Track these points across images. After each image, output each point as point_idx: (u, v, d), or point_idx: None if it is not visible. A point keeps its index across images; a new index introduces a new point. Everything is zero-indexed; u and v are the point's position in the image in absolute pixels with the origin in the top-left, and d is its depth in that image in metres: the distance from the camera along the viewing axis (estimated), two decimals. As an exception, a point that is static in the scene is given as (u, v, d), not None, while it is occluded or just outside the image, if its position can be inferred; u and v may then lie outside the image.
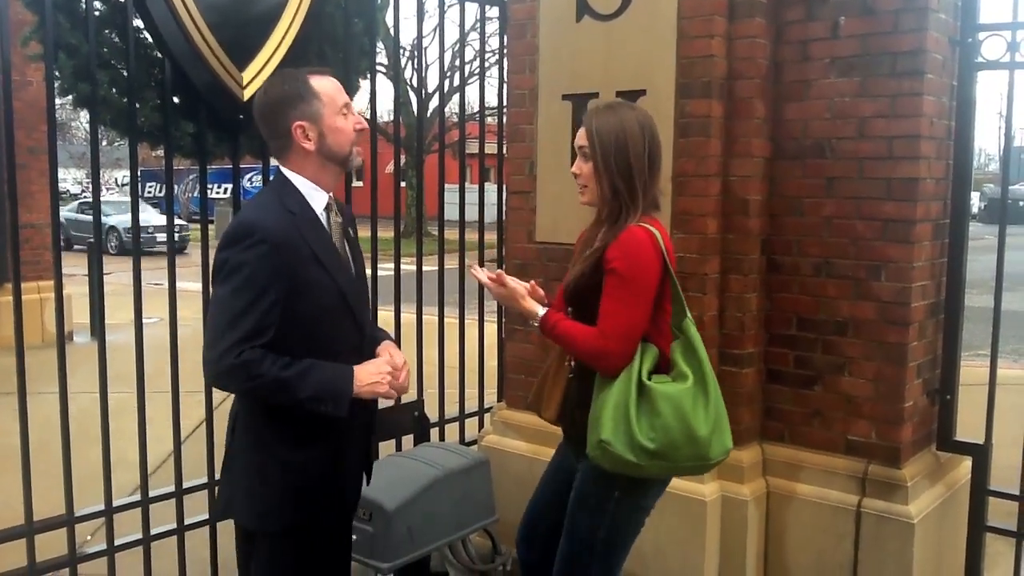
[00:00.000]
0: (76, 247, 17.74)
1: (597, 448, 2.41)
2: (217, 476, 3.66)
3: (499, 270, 2.68)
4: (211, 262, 3.47)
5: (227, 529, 3.76)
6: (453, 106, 17.48)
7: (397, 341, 4.00)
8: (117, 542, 3.47)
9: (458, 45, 8.49)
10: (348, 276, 2.41)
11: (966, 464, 3.73)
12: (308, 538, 2.40)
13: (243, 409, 2.40)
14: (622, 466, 2.41)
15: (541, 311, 2.56)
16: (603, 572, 2.59)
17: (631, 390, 2.40)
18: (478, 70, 4.83)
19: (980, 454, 3.59)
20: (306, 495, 2.35)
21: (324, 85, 2.34)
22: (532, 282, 2.66)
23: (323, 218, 2.38)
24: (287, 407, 2.27)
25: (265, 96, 2.36)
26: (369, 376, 2.34)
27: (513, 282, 2.60)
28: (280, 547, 2.40)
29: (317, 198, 2.37)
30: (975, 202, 28.90)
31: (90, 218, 13.46)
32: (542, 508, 2.81)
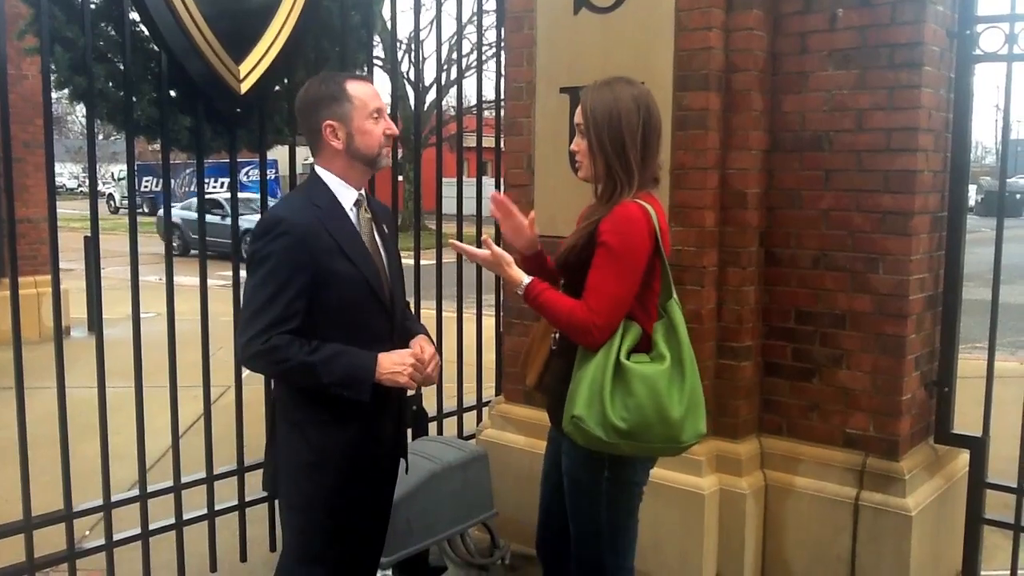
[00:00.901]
0: (193, 252, 16.13)
1: (570, 423, 2.41)
2: (215, 471, 3.70)
3: (486, 237, 2.68)
4: (206, 257, 3.49)
5: (226, 523, 3.78)
6: (451, 99, 17.44)
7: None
8: (116, 537, 3.48)
9: (455, 38, 8.46)
10: (375, 268, 2.50)
11: (964, 457, 3.74)
12: (334, 517, 2.51)
13: (280, 393, 2.56)
14: (594, 443, 2.41)
15: (526, 279, 2.52)
16: (616, 554, 2.61)
17: (608, 368, 2.40)
18: (475, 63, 4.81)
19: (978, 447, 3.60)
20: (331, 476, 2.47)
21: (358, 89, 2.46)
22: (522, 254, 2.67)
23: (352, 213, 2.49)
24: (315, 390, 2.40)
25: (304, 94, 2.49)
26: (392, 365, 2.43)
27: (499, 249, 2.57)
28: (308, 523, 2.51)
29: (346, 194, 2.50)
30: (972, 195, 28.92)
31: (218, 220, 12.83)
32: (548, 504, 2.81)
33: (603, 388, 2.38)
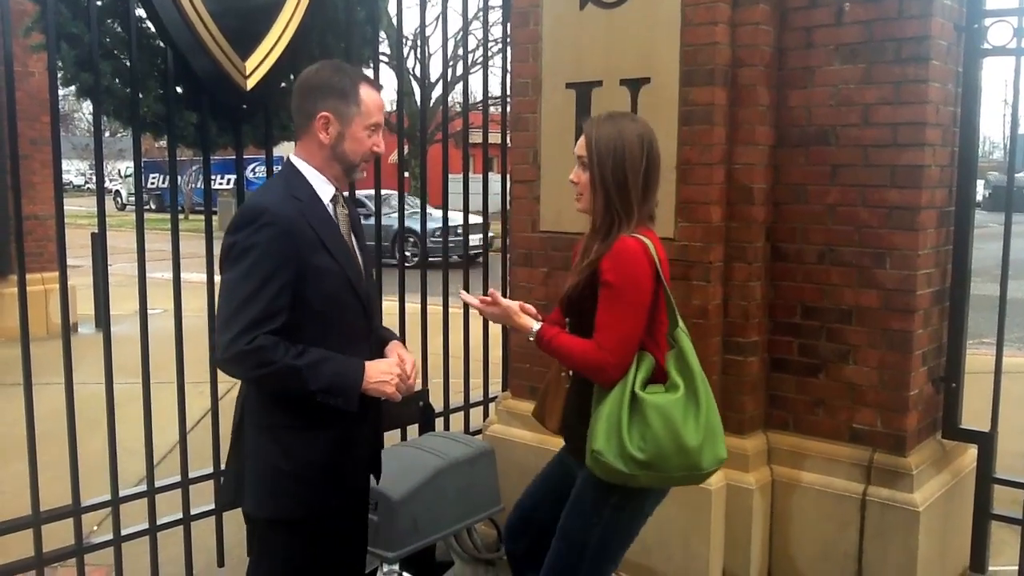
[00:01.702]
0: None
1: (591, 458, 2.42)
2: (224, 466, 3.69)
3: (492, 290, 2.67)
4: (212, 253, 3.48)
5: (233, 518, 3.77)
6: (456, 95, 17.43)
7: (401, 331, 4.03)
8: (124, 532, 3.49)
9: (461, 34, 8.47)
10: (355, 265, 2.42)
11: (971, 452, 3.73)
12: (312, 527, 2.40)
13: (251, 395, 2.40)
14: (614, 476, 2.42)
15: (536, 326, 2.56)
16: (592, 572, 2.58)
17: (624, 401, 2.41)
18: (481, 59, 4.81)
19: (985, 442, 3.59)
20: (310, 484, 2.35)
21: (369, 96, 2.37)
22: (521, 304, 2.67)
23: (330, 208, 2.39)
24: (294, 396, 2.27)
25: (314, 74, 2.38)
26: (379, 374, 2.35)
27: (505, 301, 2.61)
28: (284, 535, 2.40)
29: (324, 189, 2.39)
30: (979, 190, 28.79)
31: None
32: (539, 502, 2.80)
33: (620, 421, 2.39)
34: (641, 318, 2.44)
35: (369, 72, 4.17)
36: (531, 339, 2.56)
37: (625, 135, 2.48)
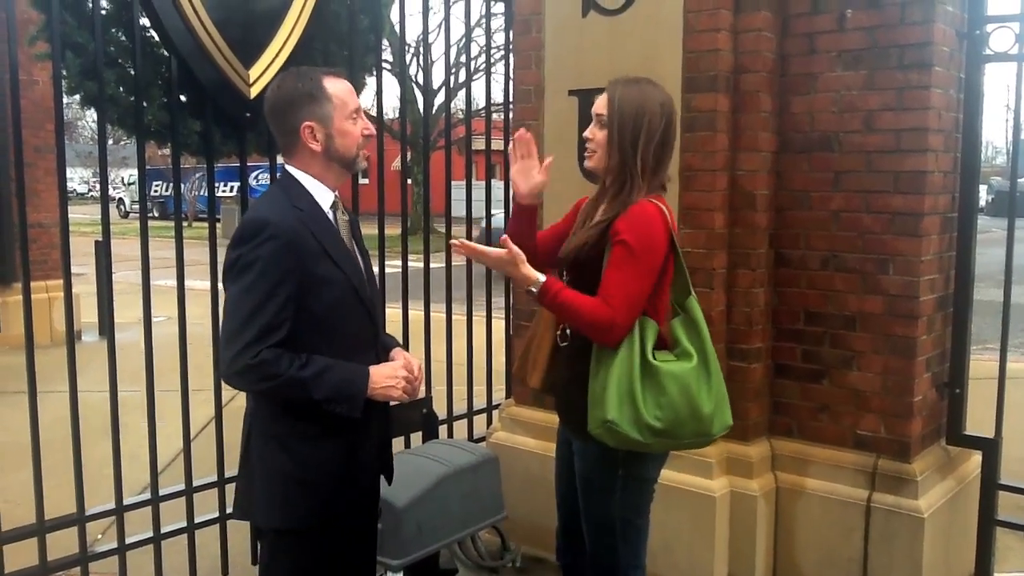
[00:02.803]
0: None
1: (601, 427, 2.39)
2: (228, 474, 3.68)
3: (504, 236, 2.55)
4: (216, 259, 3.47)
5: (237, 527, 3.78)
6: (459, 103, 17.44)
7: (405, 338, 4.03)
8: (128, 540, 3.49)
9: (464, 41, 8.47)
10: (359, 271, 2.41)
11: (976, 458, 3.72)
12: (320, 536, 2.39)
13: (258, 406, 2.39)
14: (627, 444, 2.41)
15: (541, 277, 2.45)
16: (629, 551, 2.60)
17: (635, 368, 2.39)
18: (483, 66, 4.82)
19: (990, 448, 3.58)
20: (318, 492, 2.34)
21: (337, 88, 2.34)
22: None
23: (330, 215, 2.38)
24: (301, 405, 2.27)
25: (278, 92, 2.35)
26: (384, 379, 2.35)
27: (515, 248, 2.48)
28: (292, 544, 2.38)
29: (323, 196, 2.38)
30: (982, 195, 28.80)
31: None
32: (568, 508, 2.78)
33: (633, 388, 2.38)
34: (650, 282, 2.43)
35: (371, 80, 4.19)
36: (532, 291, 2.45)
37: (648, 100, 2.49)
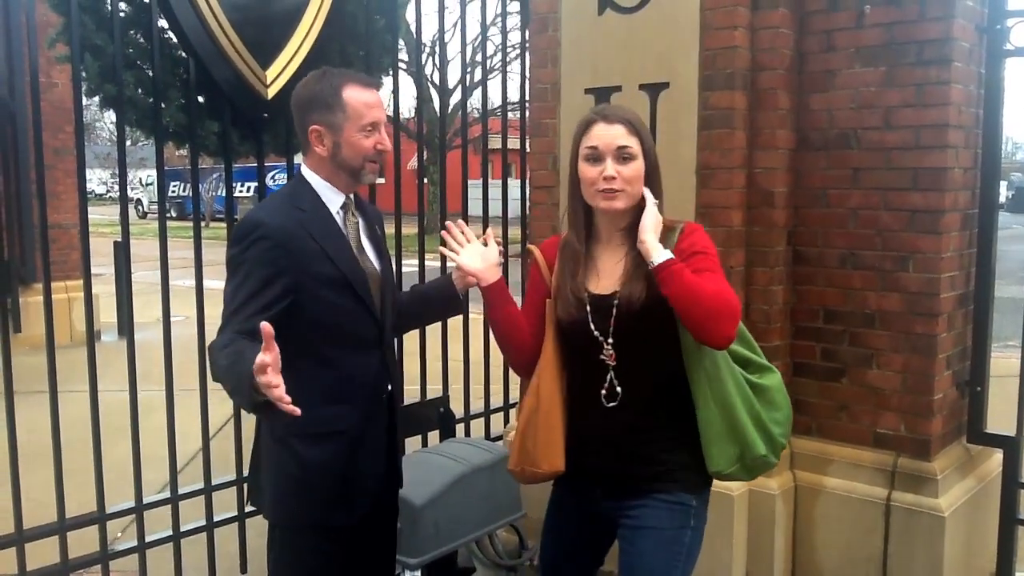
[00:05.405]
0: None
1: (740, 467, 2.27)
2: (246, 472, 3.70)
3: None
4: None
5: (256, 524, 3.80)
6: (475, 102, 17.45)
7: (422, 337, 4.04)
8: (148, 539, 3.52)
9: (480, 40, 8.48)
10: (361, 273, 2.38)
11: (997, 456, 3.69)
12: (326, 534, 2.39)
13: None
14: (762, 470, 2.34)
15: (666, 253, 2.13)
16: None
17: (745, 390, 2.28)
18: (499, 65, 4.82)
19: (1011, 446, 3.55)
20: (322, 491, 2.35)
21: (357, 97, 2.29)
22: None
23: (338, 217, 2.38)
24: (305, 401, 2.16)
25: (300, 90, 2.35)
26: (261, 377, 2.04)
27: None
28: (298, 541, 2.40)
29: (333, 198, 2.37)
30: (1002, 191, 28.52)
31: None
32: (569, 553, 2.52)
33: (760, 415, 2.29)
34: None
35: (388, 80, 4.19)
36: (654, 263, 2.11)
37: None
